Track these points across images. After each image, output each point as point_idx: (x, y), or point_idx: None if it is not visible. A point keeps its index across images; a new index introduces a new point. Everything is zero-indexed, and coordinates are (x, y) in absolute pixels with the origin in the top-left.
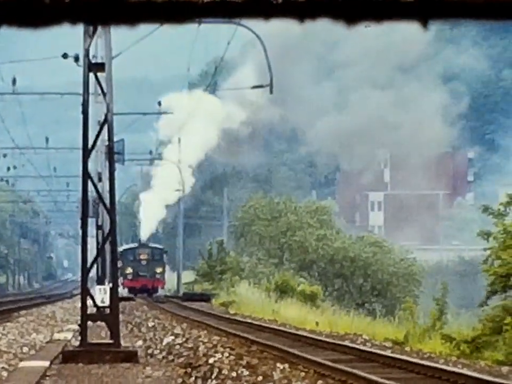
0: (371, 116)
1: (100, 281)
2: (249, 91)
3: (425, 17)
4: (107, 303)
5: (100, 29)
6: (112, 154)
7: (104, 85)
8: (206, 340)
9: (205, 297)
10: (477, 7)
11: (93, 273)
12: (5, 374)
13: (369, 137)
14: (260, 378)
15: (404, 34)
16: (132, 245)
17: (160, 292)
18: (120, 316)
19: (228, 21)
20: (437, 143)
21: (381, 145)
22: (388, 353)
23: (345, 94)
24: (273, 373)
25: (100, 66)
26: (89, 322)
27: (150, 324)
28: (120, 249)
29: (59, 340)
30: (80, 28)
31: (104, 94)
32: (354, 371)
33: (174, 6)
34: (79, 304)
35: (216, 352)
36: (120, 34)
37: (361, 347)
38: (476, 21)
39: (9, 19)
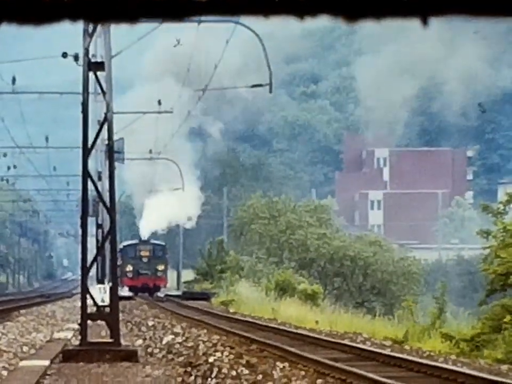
0: None
1: (100, 280)
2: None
3: (425, 14)
4: (107, 302)
5: (99, 28)
6: (112, 153)
7: (103, 84)
8: (205, 339)
9: (204, 296)
10: (477, 4)
11: (93, 272)
12: (5, 373)
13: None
14: (260, 377)
15: None
16: (132, 241)
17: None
18: (120, 315)
19: (227, 20)
20: None
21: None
22: (387, 351)
23: None
24: (273, 371)
25: (99, 65)
26: (89, 322)
27: (150, 323)
28: (119, 246)
29: (59, 339)
30: (79, 27)
31: (104, 93)
32: (354, 370)
33: (174, 3)
34: (79, 303)
35: (216, 351)
36: (119, 34)
37: (361, 346)
38: (477, 18)
39: (9, 16)
